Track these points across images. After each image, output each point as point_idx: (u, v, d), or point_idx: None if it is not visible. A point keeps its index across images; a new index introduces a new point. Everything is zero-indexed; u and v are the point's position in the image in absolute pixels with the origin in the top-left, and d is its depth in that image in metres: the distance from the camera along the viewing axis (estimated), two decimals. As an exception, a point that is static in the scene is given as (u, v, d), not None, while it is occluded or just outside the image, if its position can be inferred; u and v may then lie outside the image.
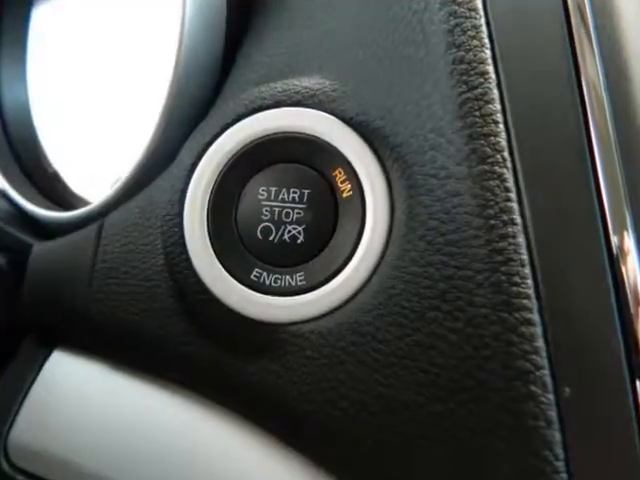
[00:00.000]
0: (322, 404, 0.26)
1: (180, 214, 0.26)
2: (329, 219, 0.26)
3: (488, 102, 0.25)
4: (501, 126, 0.25)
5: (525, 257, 0.25)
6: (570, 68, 0.26)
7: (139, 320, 0.27)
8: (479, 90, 0.25)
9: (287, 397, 0.26)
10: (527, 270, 0.25)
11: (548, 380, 0.24)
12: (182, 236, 0.26)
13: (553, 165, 0.26)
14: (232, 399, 0.27)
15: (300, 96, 0.26)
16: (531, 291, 0.24)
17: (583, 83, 0.26)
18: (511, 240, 0.25)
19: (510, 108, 0.26)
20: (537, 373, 0.24)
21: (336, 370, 0.25)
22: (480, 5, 0.26)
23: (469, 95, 0.26)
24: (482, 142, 0.25)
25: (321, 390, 0.26)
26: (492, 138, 0.25)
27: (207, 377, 0.26)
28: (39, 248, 0.30)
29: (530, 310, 0.24)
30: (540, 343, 0.24)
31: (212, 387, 0.27)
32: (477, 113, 0.25)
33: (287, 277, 0.26)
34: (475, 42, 0.26)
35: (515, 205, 0.25)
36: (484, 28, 0.26)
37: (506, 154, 0.25)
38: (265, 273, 0.26)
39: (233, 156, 0.26)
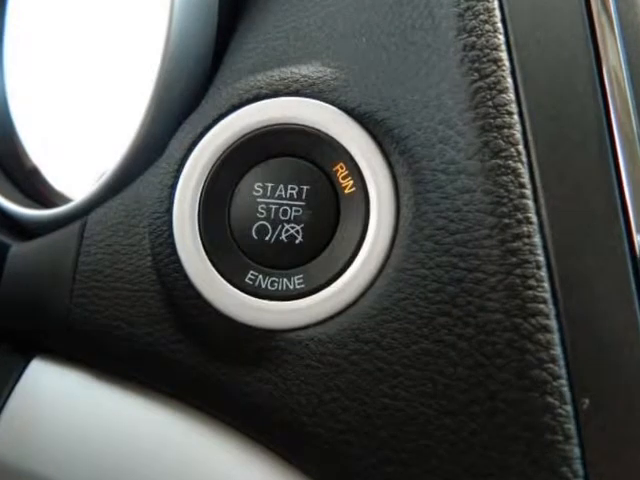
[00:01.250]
0: (323, 417, 0.24)
1: (169, 212, 0.24)
2: (330, 217, 0.25)
3: (501, 91, 0.24)
4: (515, 117, 0.24)
5: (541, 259, 0.23)
6: (590, 55, 0.25)
7: (124, 327, 0.26)
8: (492, 78, 0.24)
9: (285, 409, 0.24)
10: (543, 273, 0.23)
11: (566, 391, 0.23)
12: (171, 235, 0.24)
13: (572, 159, 0.24)
14: (225, 412, 0.25)
15: (299, 85, 0.25)
16: (548, 295, 0.23)
17: (604, 71, 0.24)
18: (526, 240, 0.23)
19: (525, 98, 0.24)
20: (554, 383, 0.23)
21: (338, 380, 0.24)
22: None
23: (481, 84, 0.24)
24: (495, 134, 0.24)
25: (322, 402, 0.24)
26: (506, 130, 0.24)
27: (198, 388, 0.25)
28: (17, 249, 0.29)
29: (547, 316, 0.23)
30: (557, 351, 0.23)
31: (203, 399, 0.25)
32: (490, 103, 0.24)
33: (284, 280, 0.24)
34: (488, 27, 0.24)
35: (530, 202, 0.24)
36: (497, 12, 0.25)
37: (521, 147, 0.24)
38: (261, 276, 0.24)
39: (226, 149, 0.24)
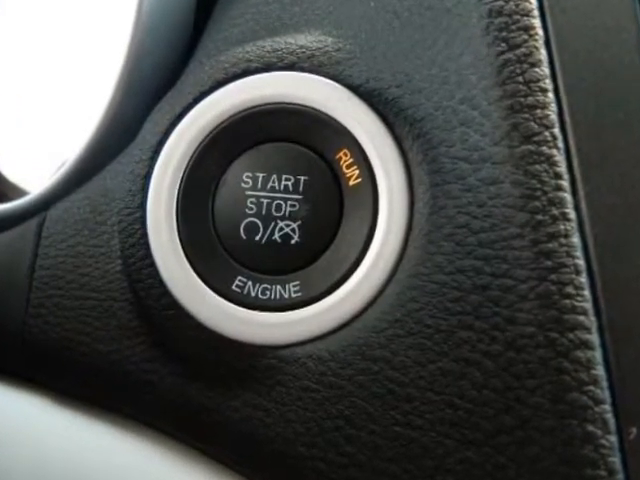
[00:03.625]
0: (323, 448, 0.22)
1: (142, 207, 0.22)
2: (331, 213, 0.22)
3: (534, 64, 0.22)
4: (550, 95, 0.22)
5: (581, 262, 0.21)
6: (638, 23, 0.22)
7: (89, 342, 0.23)
8: (522, 49, 0.22)
9: (279, 439, 0.22)
10: (583, 279, 0.21)
11: (610, 418, 0.21)
12: (145, 235, 0.22)
13: (616, 145, 0.22)
14: (208, 442, 0.23)
15: (295, 57, 0.23)
16: (589, 305, 0.21)
17: None
18: (563, 240, 0.21)
19: (562, 73, 0.22)
20: (596, 409, 0.20)
21: (341, 405, 0.22)
22: None
23: (510, 56, 0.22)
24: (526, 116, 0.22)
25: (322, 430, 0.22)
26: (539, 111, 0.21)
27: (176, 415, 0.23)
28: None
29: (588, 329, 0.21)
30: (600, 371, 0.21)
31: (182, 427, 0.23)
32: (520, 79, 0.22)
33: (278, 287, 0.21)
34: None
35: (568, 196, 0.21)
36: None
37: (557, 131, 0.22)
38: (250, 282, 0.21)
39: (210, 133, 0.21)
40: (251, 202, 0.21)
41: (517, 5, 0.22)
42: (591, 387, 0.20)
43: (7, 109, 0.30)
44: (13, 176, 0.29)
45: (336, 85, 0.22)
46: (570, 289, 0.21)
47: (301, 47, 0.22)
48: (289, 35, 0.23)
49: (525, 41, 0.22)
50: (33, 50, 0.29)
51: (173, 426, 0.23)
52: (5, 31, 0.29)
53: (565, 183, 0.21)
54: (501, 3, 0.22)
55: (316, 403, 0.21)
